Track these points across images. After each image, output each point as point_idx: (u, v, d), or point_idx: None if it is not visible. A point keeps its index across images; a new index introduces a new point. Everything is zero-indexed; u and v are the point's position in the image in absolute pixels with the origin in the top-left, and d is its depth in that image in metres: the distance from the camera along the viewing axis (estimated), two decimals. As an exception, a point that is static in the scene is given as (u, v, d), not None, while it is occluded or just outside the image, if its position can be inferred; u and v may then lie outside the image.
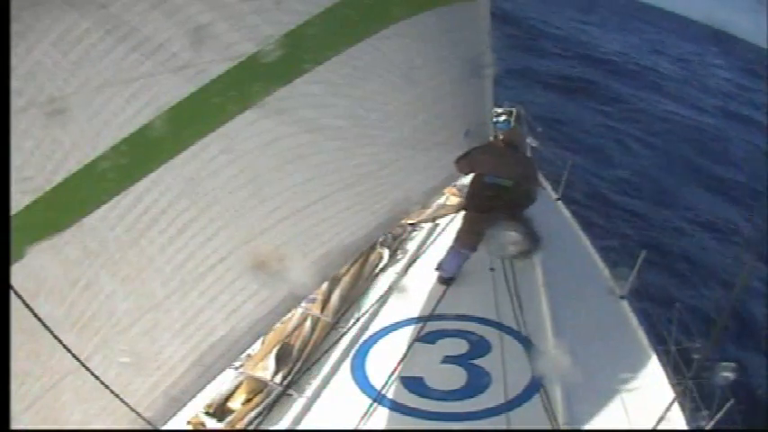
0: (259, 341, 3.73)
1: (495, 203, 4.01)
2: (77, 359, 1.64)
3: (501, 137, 4.40)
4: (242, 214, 2.25)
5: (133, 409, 1.80)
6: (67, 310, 1.81)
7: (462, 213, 4.43)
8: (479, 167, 4.12)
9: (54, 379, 1.80)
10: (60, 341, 1.58)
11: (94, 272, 1.87)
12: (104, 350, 1.90)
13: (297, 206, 2.46)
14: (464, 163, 4.13)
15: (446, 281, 4.24)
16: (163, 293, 2.05)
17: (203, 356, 2.20)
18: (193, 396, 2.23)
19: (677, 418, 3.20)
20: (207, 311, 2.18)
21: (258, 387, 3.48)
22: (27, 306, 1.47)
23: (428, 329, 3.90)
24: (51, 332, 1.55)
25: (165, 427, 2.17)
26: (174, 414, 2.16)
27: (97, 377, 1.69)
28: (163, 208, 1.98)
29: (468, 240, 4.18)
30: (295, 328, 3.85)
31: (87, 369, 1.65)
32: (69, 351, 1.60)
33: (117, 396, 1.70)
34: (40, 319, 1.50)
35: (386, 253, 4.68)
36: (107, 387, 1.69)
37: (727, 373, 3.23)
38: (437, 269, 4.28)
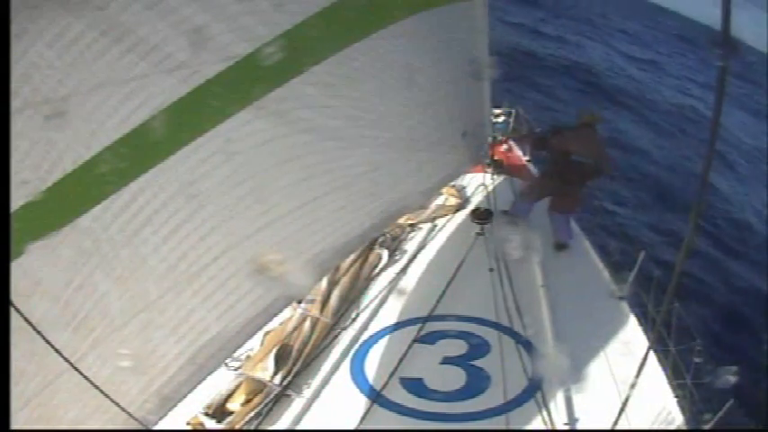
0: (258, 342, 3.74)
1: (575, 176, 4.76)
2: (66, 360, 1.64)
3: (583, 118, 4.90)
4: (236, 214, 2.25)
5: (124, 409, 1.80)
6: (62, 309, 1.82)
7: (539, 176, 5.09)
8: (570, 147, 4.76)
9: (49, 378, 1.81)
10: (48, 341, 1.58)
11: (89, 271, 1.88)
12: (98, 349, 1.91)
13: (291, 206, 2.46)
14: (557, 142, 4.83)
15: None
16: (156, 293, 2.05)
17: (196, 355, 2.21)
18: (186, 395, 2.24)
19: (677, 419, 3.19)
20: (200, 310, 2.19)
21: (257, 388, 3.49)
22: (14, 307, 1.47)
23: (427, 330, 3.90)
24: (39, 332, 1.55)
25: (158, 426, 2.17)
26: (167, 413, 2.17)
27: (87, 378, 1.70)
28: (157, 208, 1.99)
29: (534, 197, 5.02)
30: (294, 329, 3.86)
31: (76, 369, 1.65)
32: (57, 351, 1.60)
33: (107, 396, 1.71)
34: (27, 320, 1.51)
35: (385, 254, 4.68)
36: (97, 387, 1.69)
37: (728, 377, 3.22)
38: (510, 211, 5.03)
